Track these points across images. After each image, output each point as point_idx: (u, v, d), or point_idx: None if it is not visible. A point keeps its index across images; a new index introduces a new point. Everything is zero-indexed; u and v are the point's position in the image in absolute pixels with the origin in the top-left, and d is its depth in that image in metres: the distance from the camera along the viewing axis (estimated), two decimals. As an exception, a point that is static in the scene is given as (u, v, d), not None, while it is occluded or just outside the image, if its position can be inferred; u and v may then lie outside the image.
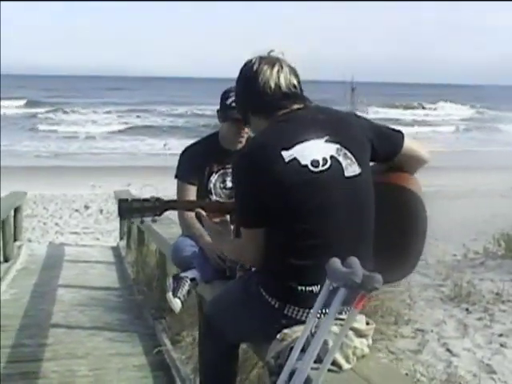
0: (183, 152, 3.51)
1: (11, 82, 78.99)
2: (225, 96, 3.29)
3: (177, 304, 3.12)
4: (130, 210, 2.60)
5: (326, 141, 2.22)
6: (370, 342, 2.18)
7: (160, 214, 2.63)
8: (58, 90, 73.04)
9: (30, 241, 11.29)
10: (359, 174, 2.23)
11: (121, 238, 10.64)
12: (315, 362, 1.82)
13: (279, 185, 2.16)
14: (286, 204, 2.17)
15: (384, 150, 2.36)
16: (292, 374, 1.86)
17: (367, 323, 2.20)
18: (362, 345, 2.10)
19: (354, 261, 1.81)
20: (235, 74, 2.48)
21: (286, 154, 2.17)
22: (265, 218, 2.20)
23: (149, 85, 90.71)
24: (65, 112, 49.47)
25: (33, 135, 37.35)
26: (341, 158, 2.21)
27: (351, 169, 2.22)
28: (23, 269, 8.73)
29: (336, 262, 1.83)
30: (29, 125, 41.10)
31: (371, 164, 2.34)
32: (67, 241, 11.49)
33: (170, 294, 3.15)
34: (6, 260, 9.00)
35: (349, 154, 2.22)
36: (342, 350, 2.03)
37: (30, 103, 54.38)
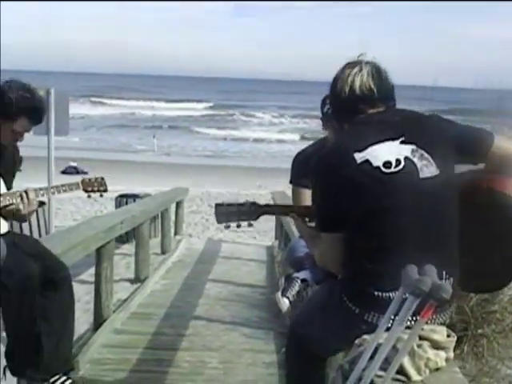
0: (296, 156, 3.54)
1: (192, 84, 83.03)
2: (322, 103, 3.28)
3: (284, 304, 3.13)
4: (227, 214, 2.64)
5: (402, 142, 2.16)
6: (451, 354, 2.07)
7: (256, 219, 2.65)
8: (235, 93, 75.65)
9: (190, 236, 11.77)
10: (436, 176, 2.14)
11: (276, 238, 10.82)
12: (383, 370, 1.76)
13: (351, 187, 2.13)
14: (358, 206, 2.13)
15: (470, 151, 2.24)
16: (359, 380, 1.82)
17: (448, 335, 2.09)
18: (436, 357, 2.00)
19: (430, 268, 1.74)
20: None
21: (359, 156, 2.14)
22: (341, 222, 2.17)
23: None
24: (247, 115, 51.52)
25: (205, 136, 39.14)
26: (416, 159, 2.14)
27: (427, 170, 2.14)
28: (179, 261, 9.13)
29: (411, 268, 1.77)
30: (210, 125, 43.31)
31: (468, 167, 2.24)
32: (225, 238, 11.84)
33: (278, 294, 3.17)
34: (164, 252, 9.45)
35: (426, 155, 2.14)
36: (413, 361, 1.95)
37: (216, 106, 57.23)
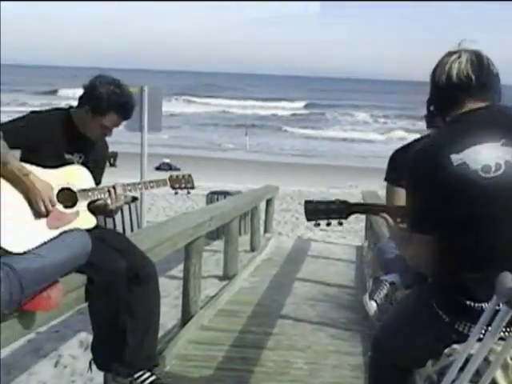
0: (393, 154, 3.44)
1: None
2: (428, 101, 3.14)
3: (372, 307, 3.04)
4: (316, 211, 2.57)
5: (503, 144, 2.01)
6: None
7: (346, 217, 2.57)
8: (328, 92, 75.37)
9: (280, 234, 11.75)
10: None
11: (366, 238, 10.65)
12: (474, 383, 1.66)
13: (446, 190, 2.02)
14: (453, 211, 2.01)
15: None
16: (448, 392, 1.71)
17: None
18: (532, 371, 1.87)
19: (526, 277, 1.61)
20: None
21: (456, 158, 2.02)
22: (433, 224, 2.06)
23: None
24: (340, 114, 51.43)
25: (296, 135, 39.20)
26: None
27: None
28: (268, 259, 9.12)
29: (506, 276, 1.65)
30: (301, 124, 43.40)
31: None
32: (315, 236, 11.76)
33: (366, 296, 3.09)
34: (253, 250, 9.47)
35: None
36: (506, 374, 1.83)
37: (309, 105, 57.43)
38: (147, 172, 16.20)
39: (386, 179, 3.41)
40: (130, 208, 10.06)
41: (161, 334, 5.92)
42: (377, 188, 13.24)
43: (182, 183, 3.71)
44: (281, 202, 14.57)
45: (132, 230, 9.91)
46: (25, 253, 2.69)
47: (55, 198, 3.13)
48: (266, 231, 10.87)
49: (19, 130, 3.21)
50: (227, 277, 7.60)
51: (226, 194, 11.37)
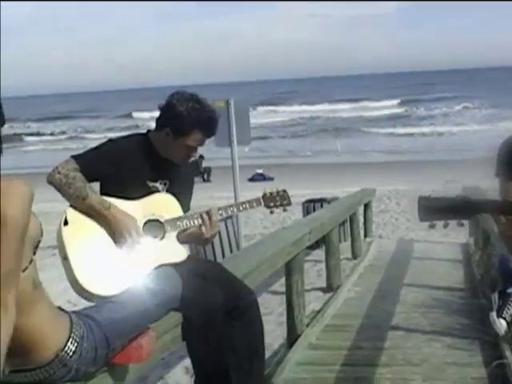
0: (502, 145, 3.10)
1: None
2: None
3: (501, 326, 2.75)
4: (432, 210, 2.19)
5: None
6: None
7: (469, 218, 2.20)
8: (410, 87, 73.97)
9: (380, 237, 11.42)
10: None
11: (470, 235, 10.19)
12: None
13: None
14: None
15: None
16: None
17: None
18: None
19: None
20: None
21: None
22: None
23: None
24: (428, 108, 50.49)
25: (387, 133, 38.66)
26: None
27: None
28: (370, 266, 8.82)
29: None
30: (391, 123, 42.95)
31: None
32: (417, 237, 11.36)
33: (493, 314, 2.79)
34: (355, 257, 9.19)
35: None
36: None
37: (397, 104, 56.64)
38: (241, 184, 16.20)
39: (497, 174, 3.07)
40: (226, 225, 9.99)
41: (268, 355, 5.76)
42: (478, 183, 12.70)
43: (276, 201, 3.47)
44: (378, 203, 14.20)
45: (231, 248, 9.84)
46: (110, 300, 2.54)
47: (141, 231, 3.00)
48: (366, 236, 10.56)
49: (97, 160, 3.08)
50: (331, 288, 7.36)
51: (322, 201, 11.16)
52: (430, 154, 27.18)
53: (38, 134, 53.66)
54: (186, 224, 3.13)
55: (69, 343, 2.13)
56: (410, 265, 8.74)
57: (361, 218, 10.49)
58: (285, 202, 3.48)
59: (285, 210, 3.55)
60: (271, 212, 3.51)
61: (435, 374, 4.60)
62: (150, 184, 3.15)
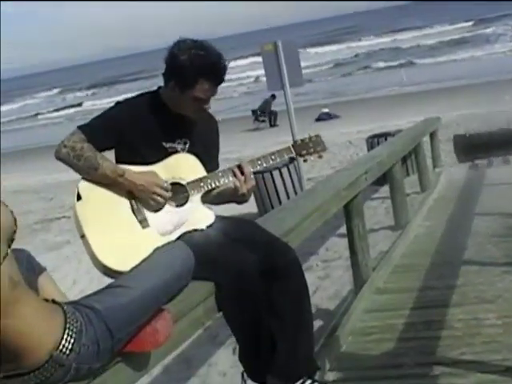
0: None
1: None
2: None
3: None
4: (471, 148, 1.90)
5: None
6: None
7: None
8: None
9: (450, 166, 10.93)
10: None
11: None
12: None
13: None
14: None
15: None
16: None
17: None
18: None
19: None
20: None
21: None
22: None
23: None
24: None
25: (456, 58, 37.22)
26: None
27: None
28: (441, 198, 8.42)
29: None
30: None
31: None
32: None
33: None
34: (424, 190, 8.81)
35: None
36: None
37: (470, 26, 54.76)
38: (307, 125, 15.94)
39: None
40: (288, 169, 9.78)
41: (336, 302, 5.61)
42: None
43: (309, 148, 3.16)
44: (445, 130, 13.61)
45: (296, 193, 9.64)
46: (112, 284, 2.29)
47: (167, 184, 2.77)
48: (434, 166, 10.10)
49: (104, 126, 2.84)
50: (400, 226, 7.05)
51: (386, 135, 10.77)
52: (497, 75, 25.87)
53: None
54: (211, 184, 2.89)
55: (63, 341, 1.92)
56: (482, 192, 8.28)
57: (428, 148, 10.05)
58: (319, 149, 3.18)
59: (320, 157, 3.24)
60: (305, 160, 3.22)
61: (511, 312, 4.30)
62: (167, 145, 2.90)
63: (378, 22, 79.82)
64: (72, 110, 49.38)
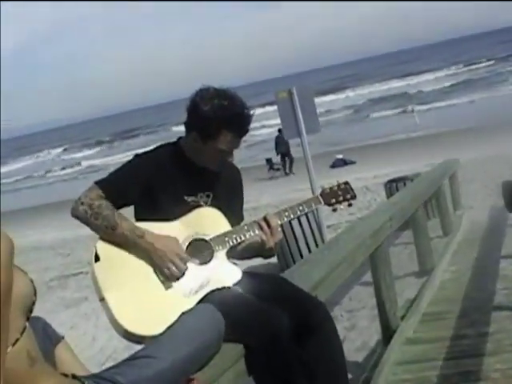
0: None
1: None
2: None
3: None
4: None
5: None
6: None
7: None
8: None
9: (471, 208, 10.79)
10: None
11: None
12: None
13: None
14: None
15: None
16: None
17: None
18: None
19: None
20: None
21: None
22: None
23: None
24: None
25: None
26: None
27: None
28: (464, 240, 8.29)
29: None
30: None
31: None
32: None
33: None
34: (447, 234, 8.66)
35: None
36: None
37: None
38: (323, 172, 15.83)
39: None
40: (307, 218, 9.66)
41: (364, 354, 5.42)
42: None
43: (338, 196, 3.01)
44: (463, 171, 13.50)
45: (316, 242, 9.51)
46: (136, 355, 2.14)
47: (185, 254, 2.63)
48: (455, 209, 9.97)
49: (123, 182, 2.73)
50: (425, 272, 6.88)
51: (404, 180, 10.65)
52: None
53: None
54: (236, 239, 2.75)
55: None
56: (507, 234, 8.13)
57: (448, 191, 9.92)
58: (348, 196, 3.03)
59: (350, 205, 3.08)
60: (334, 210, 3.08)
61: (550, 358, 4.12)
62: (189, 199, 2.77)
63: (384, 69, 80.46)
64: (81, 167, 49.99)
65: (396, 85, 56.83)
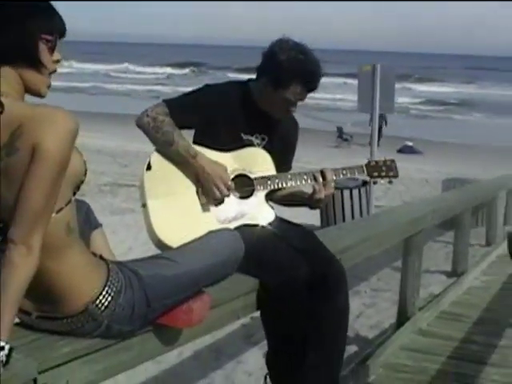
0: None
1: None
2: None
3: None
4: None
5: None
6: None
7: None
8: None
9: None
10: None
11: None
12: None
13: None
14: None
15: None
16: None
17: None
18: None
19: None
20: None
21: None
22: None
23: None
24: None
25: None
26: None
27: None
28: (503, 255, 8.17)
29: None
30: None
31: None
32: None
33: None
34: (489, 244, 8.65)
35: None
36: None
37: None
38: (387, 153, 15.65)
39: None
40: (359, 191, 9.76)
41: (376, 332, 5.58)
42: None
43: (382, 171, 3.13)
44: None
45: (361, 215, 9.61)
46: (162, 255, 2.33)
47: (231, 184, 2.80)
48: (505, 223, 9.89)
49: (189, 106, 2.87)
50: (455, 273, 6.97)
51: (463, 181, 10.58)
52: None
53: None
54: (278, 184, 2.90)
55: (101, 296, 1.97)
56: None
57: (502, 204, 9.84)
58: (391, 174, 3.13)
59: (390, 182, 3.20)
60: (374, 182, 3.19)
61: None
62: (245, 137, 2.93)
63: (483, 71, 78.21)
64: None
65: (491, 91, 54.88)
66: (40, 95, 1.92)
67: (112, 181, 13.53)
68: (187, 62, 75.59)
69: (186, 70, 69.85)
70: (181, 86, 41.22)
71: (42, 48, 1.86)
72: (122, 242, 8.28)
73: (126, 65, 71.66)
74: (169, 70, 68.64)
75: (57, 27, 1.90)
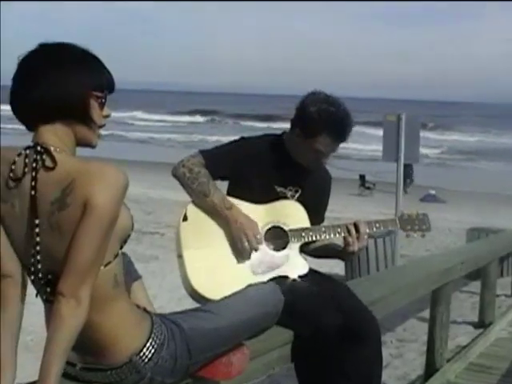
0: None
1: None
2: None
3: None
4: None
5: None
6: None
7: None
8: None
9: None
10: None
11: None
12: None
13: None
14: None
15: None
16: None
17: None
18: None
19: None
20: None
21: None
22: None
23: None
24: None
25: None
26: None
27: None
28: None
29: None
30: None
31: None
32: None
33: None
34: (518, 294, 8.59)
35: None
36: None
37: None
38: (410, 202, 15.71)
39: None
40: (384, 241, 9.74)
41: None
42: None
43: (415, 225, 3.18)
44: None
45: (386, 266, 9.58)
46: (203, 308, 2.38)
47: (261, 238, 2.86)
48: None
49: (225, 158, 2.97)
50: (483, 324, 6.92)
51: (487, 231, 10.54)
52: None
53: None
54: (312, 236, 2.96)
55: (145, 349, 2.01)
56: None
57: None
58: (424, 227, 3.20)
59: (423, 236, 3.25)
60: (407, 236, 3.25)
61: None
62: (278, 189, 3.01)
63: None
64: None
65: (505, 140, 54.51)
66: (91, 146, 1.98)
67: (136, 228, 13.53)
68: (202, 110, 76.20)
69: (203, 118, 70.39)
70: (197, 134, 41.96)
71: (93, 105, 1.91)
72: (147, 289, 8.29)
73: (138, 112, 72.07)
74: (187, 118, 69.16)
75: (106, 83, 1.96)
